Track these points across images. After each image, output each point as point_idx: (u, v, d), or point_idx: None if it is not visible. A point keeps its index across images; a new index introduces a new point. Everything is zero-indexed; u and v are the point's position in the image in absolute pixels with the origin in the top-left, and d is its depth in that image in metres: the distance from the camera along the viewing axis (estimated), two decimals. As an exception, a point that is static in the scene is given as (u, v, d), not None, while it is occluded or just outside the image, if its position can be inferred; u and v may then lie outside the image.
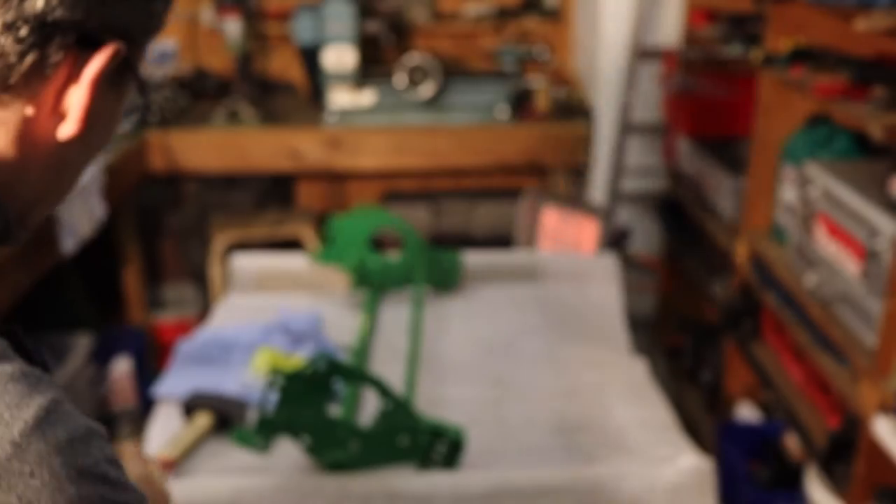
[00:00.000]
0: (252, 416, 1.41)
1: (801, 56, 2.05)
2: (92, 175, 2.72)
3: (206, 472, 1.32)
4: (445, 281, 1.95)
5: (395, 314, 1.86)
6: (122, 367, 3.33)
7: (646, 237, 3.49)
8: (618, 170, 3.27)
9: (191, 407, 1.41)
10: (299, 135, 3.37)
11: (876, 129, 1.61)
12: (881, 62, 1.97)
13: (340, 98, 3.36)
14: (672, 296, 3.36)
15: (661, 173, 3.25)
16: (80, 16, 0.63)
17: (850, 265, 1.81)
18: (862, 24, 1.61)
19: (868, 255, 1.71)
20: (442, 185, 4.01)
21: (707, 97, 2.72)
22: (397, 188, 4.01)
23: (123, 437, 1.32)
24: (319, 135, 3.36)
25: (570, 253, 2.49)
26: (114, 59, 0.65)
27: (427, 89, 3.27)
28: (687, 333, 3.13)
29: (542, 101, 3.46)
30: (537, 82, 3.47)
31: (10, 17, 0.61)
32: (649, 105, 3.30)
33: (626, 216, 3.44)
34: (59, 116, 0.65)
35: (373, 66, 3.48)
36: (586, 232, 2.65)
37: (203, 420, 1.39)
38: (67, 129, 0.65)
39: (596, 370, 1.67)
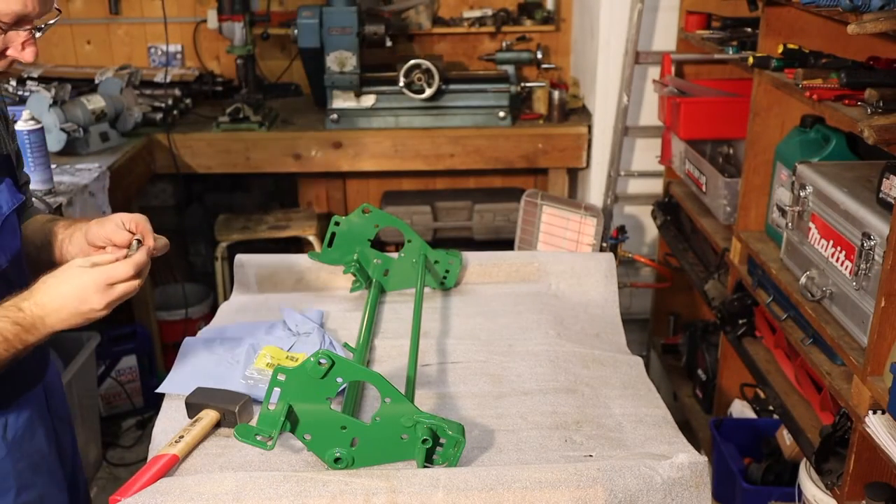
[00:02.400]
0: (255, 413, 1.44)
1: (795, 59, 2.08)
2: (98, 175, 2.75)
3: (211, 468, 1.34)
4: (445, 280, 1.97)
5: (396, 313, 1.88)
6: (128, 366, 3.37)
7: (642, 237, 3.52)
8: (616, 171, 3.29)
9: (195, 404, 1.43)
10: (302, 136, 3.40)
11: (868, 132, 1.63)
12: (873, 65, 2.00)
13: (342, 100, 3.39)
14: (668, 294, 3.39)
15: (658, 174, 3.28)
16: None
17: (842, 265, 1.84)
18: (854, 28, 1.63)
19: (860, 255, 1.74)
20: (442, 185, 4.04)
21: (702, 99, 2.74)
22: (398, 188, 4.04)
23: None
24: (322, 136, 3.39)
25: (569, 252, 2.52)
26: None
27: (428, 92, 3.30)
28: (683, 331, 3.15)
29: (540, 104, 3.49)
30: (536, 85, 3.50)
31: None
32: (646, 107, 3.33)
33: (623, 216, 3.46)
34: None
35: (374, 68, 3.50)
36: (585, 232, 2.68)
37: (207, 417, 1.41)
38: None
39: (593, 367, 1.69)
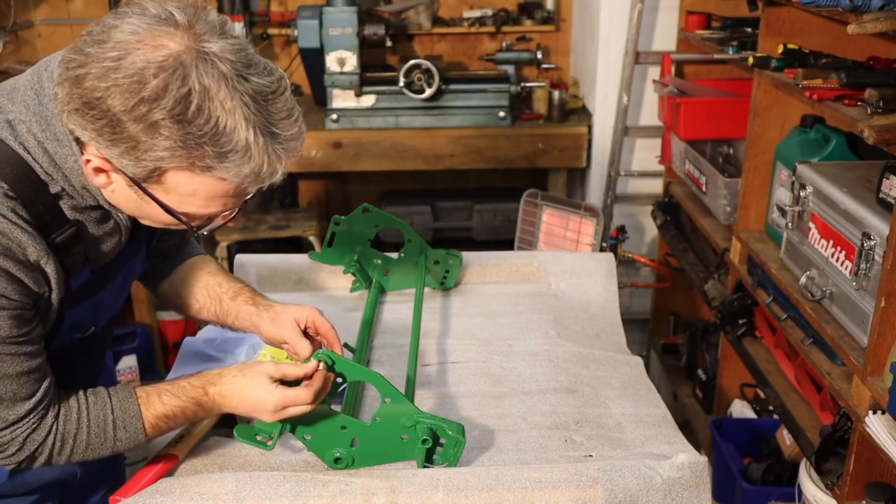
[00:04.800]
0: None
1: (795, 59, 2.08)
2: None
3: (211, 468, 1.34)
4: (445, 280, 1.97)
5: (396, 313, 1.88)
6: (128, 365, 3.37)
7: (642, 237, 3.52)
8: (616, 171, 3.29)
9: (196, 404, 1.43)
10: (301, 136, 3.39)
11: (868, 132, 1.63)
12: (873, 65, 2.00)
13: (342, 100, 3.39)
14: (668, 294, 3.39)
15: (658, 174, 3.27)
16: None
17: (842, 265, 1.84)
18: (854, 28, 1.63)
19: (860, 255, 1.74)
20: (442, 185, 4.04)
21: (702, 99, 2.75)
22: (398, 188, 4.04)
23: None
24: (322, 136, 3.39)
25: (569, 252, 2.52)
26: None
27: (428, 92, 3.29)
28: (683, 331, 3.15)
29: (540, 104, 3.49)
30: (536, 85, 3.50)
31: None
32: (646, 107, 3.32)
33: (623, 216, 3.46)
34: None
35: (374, 69, 3.50)
36: (585, 232, 2.68)
37: (207, 417, 1.42)
38: None
39: (593, 367, 1.69)
